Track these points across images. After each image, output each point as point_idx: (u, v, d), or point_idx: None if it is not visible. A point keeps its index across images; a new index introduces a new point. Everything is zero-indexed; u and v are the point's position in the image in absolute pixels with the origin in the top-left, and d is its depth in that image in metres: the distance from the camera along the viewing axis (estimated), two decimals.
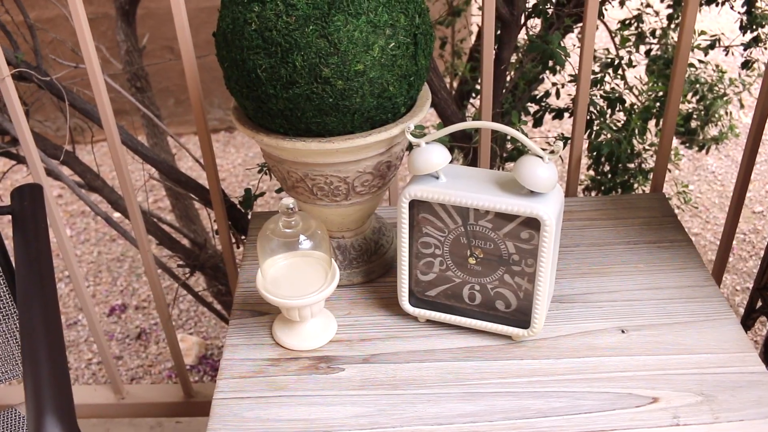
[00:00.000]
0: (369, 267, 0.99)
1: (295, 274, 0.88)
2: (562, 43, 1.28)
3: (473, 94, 1.81)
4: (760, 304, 1.16)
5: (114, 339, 2.24)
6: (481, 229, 0.85)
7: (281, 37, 0.76)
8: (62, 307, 2.37)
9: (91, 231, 2.79)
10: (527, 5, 1.33)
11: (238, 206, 1.26)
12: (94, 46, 1.05)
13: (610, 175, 1.68)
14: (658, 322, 0.92)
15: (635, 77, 1.89)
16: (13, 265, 0.99)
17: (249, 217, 1.26)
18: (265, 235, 0.85)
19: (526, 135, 0.90)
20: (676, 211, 2.51)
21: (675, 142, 2.63)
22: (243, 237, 1.27)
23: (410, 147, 0.85)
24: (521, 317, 0.88)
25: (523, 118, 1.51)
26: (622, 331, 0.91)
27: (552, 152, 0.80)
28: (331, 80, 0.77)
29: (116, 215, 2.50)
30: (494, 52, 1.14)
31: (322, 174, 0.87)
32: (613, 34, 1.78)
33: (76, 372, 2.12)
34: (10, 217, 0.96)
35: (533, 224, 0.81)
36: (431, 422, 0.80)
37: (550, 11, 1.32)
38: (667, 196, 1.16)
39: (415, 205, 0.86)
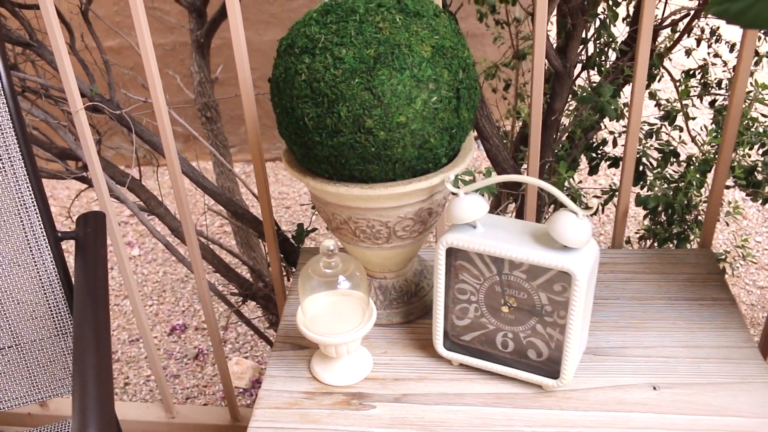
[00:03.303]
0: (408, 308, 1.02)
1: (334, 312, 0.92)
2: (621, 94, 1.28)
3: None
4: None
5: (173, 358, 2.32)
6: (516, 279, 0.87)
7: (328, 88, 0.80)
8: (126, 323, 2.47)
9: (158, 251, 2.89)
10: (581, 57, 1.35)
11: (291, 240, 1.31)
12: (161, 85, 1.12)
13: (666, 226, 1.67)
14: (691, 381, 0.92)
15: (701, 128, 1.88)
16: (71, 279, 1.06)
17: (299, 246, 1.31)
18: (307, 273, 0.89)
19: (570, 186, 0.92)
20: (740, 264, 2.47)
21: (739, 195, 2.58)
22: (293, 269, 1.31)
23: (451, 197, 0.88)
24: (552, 367, 0.89)
25: (580, 165, 1.52)
26: (654, 388, 0.91)
27: (587, 208, 0.82)
28: (374, 131, 0.81)
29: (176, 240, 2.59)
30: (545, 102, 1.16)
31: (365, 218, 0.90)
32: (678, 84, 1.77)
33: (134, 387, 2.19)
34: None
35: (565, 278, 0.83)
36: None
37: (605, 63, 1.34)
38: (723, 251, 1.16)
39: (452, 253, 0.88)
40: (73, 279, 1.01)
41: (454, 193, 0.87)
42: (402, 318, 1.02)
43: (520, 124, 2.01)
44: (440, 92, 0.83)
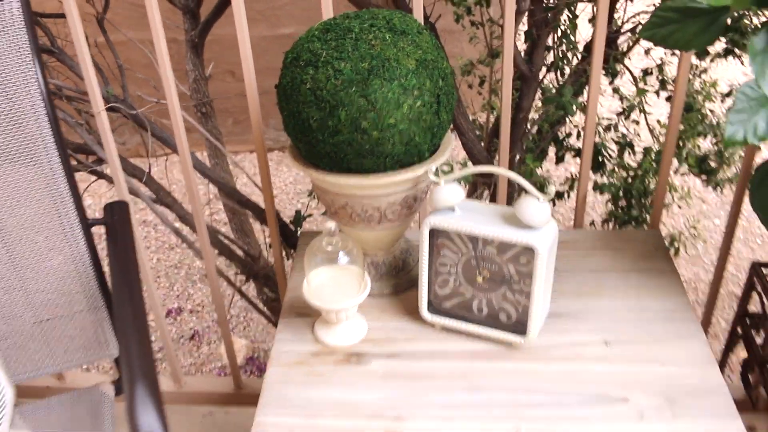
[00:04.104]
0: (396, 281, 1.19)
1: (334, 284, 1.08)
2: (583, 92, 1.45)
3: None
4: (740, 331, 1.32)
5: (170, 338, 2.47)
6: (488, 254, 1.03)
7: (330, 95, 0.96)
8: None
9: (152, 239, 3.04)
10: (545, 61, 1.52)
11: (289, 225, 1.46)
12: (175, 89, 1.27)
13: (626, 210, 1.84)
14: (637, 338, 1.09)
15: (657, 121, 2.06)
16: (103, 266, 1.21)
17: (298, 234, 1.46)
18: (311, 251, 1.05)
19: (536, 175, 1.09)
20: (700, 244, 2.65)
21: (696, 181, 2.77)
22: (292, 251, 1.47)
23: (432, 186, 1.04)
24: (520, 327, 1.06)
25: (549, 155, 1.69)
26: (606, 344, 1.08)
27: (545, 194, 0.98)
28: (368, 131, 0.97)
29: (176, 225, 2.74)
30: (514, 101, 1.32)
31: (360, 203, 1.06)
32: (636, 81, 1.95)
33: None
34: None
35: (529, 252, 1.00)
36: (440, 408, 0.99)
37: (568, 66, 1.51)
38: (678, 232, 1.33)
39: (435, 233, 1.05)
40: (101, 261, 1.16)
41: (435, 182, 1.03)
42: (391, 290, 1.18)
43: (494, 117, 2.18)
44: (423, 98, 0.98)
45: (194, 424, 1.81)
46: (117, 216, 1.19)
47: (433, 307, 1.11)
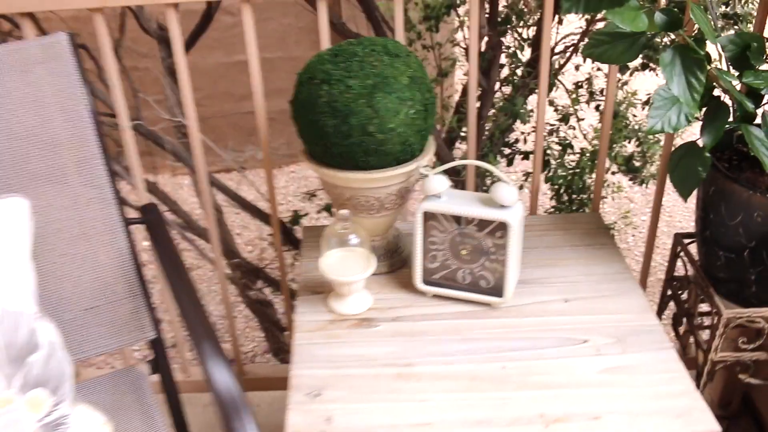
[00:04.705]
0: (391, 261, 1.43)
1: (344, 264, 1.31)
2: (526, 104, 1.73)
3: (459, 140, 2.27)
4: (669, 292, 1.60)
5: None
6: (470, 231, 1.28)
7: (342, 106, 1.20)
8: None
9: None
10: (499, 77, 1.79)
11: (287, 224, 1.69)
12: (195, 113, 1.49)
13: (568, 204, 2.13)
14: (590, 295, 1.35)
15: (590, 126, 2.36)
16: (137, 256, 1.41)
17: (294, 231, 1.69)
18: (327, 234, 1.29)
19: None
20: (631, 238, 2.97)
21: (623, 178, 3.10)
22: (290, 247, 1.70)
23: (422, 177, 1.29)
24: (497, 291, 1.31)
25: (498, 159, 1.96)
26: (566, 301, 1.34)
27: (514, 182, 1.24)
28: (374, 134, 1.21)
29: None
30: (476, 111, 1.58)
31: (363, 195, 1.30)
32: (570, 94, 2.25)
33: None
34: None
35: (503, 227, 1.25)
36: (440, 356, 1.23)
37: (515, 80, 1.78)
38: (611, 222, 1.61)
39: (426, 216, 1.29)
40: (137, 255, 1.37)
41: (425, 174, 1.28)
42: (387, 269, 1.42)
43: (445, 128, 2.45)
44: (416, 107, 1.24)
45: (196, 414, 2.01)
46: (153, 216, 1.40)
47: (425, 279, 1.35)
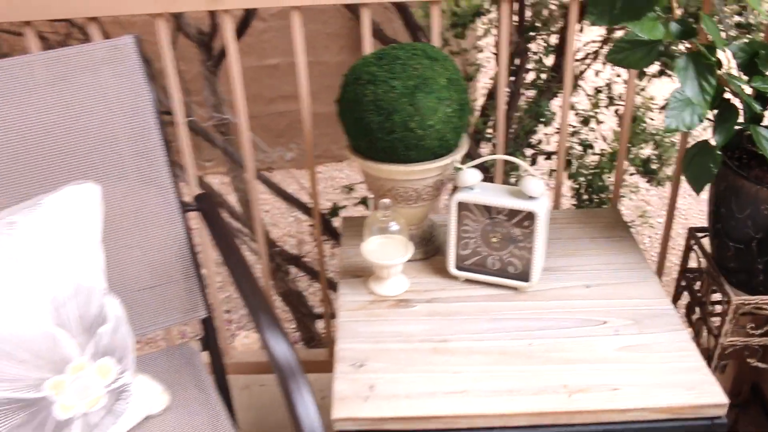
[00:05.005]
0: (426, 249, 1.55)
1: (385, 248, 1.43)
2: (549, 106, 1.85)
3: (483, 141, 2.39)
4: (684, 283, 1.71)
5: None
6: (499, 220, 1.40)
7: (387, 104, 1.32)
8: None
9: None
10: (525, 80, 1.91)
11: (326, 216, 1.82)
12: (246, 112, 1.62)
13: (588, 202, 2.25)
14: (608, 282, 1.47)
15: (609, 129, 2.48)
16: (192, 241, 1.54)
17: (333, 222, 1.82)
18: (369, 222, 1.41)
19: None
20: (647, 240, 3.08)
21: (640, 180, 3.21)
22: (331, 239, 1.82)
23: (456, 170, 1.41)
24: (524, 276, 1.43)
25: (523, 159, 2.08)
26: (586, 287, 1.46)
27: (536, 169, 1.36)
28: (415, 130, 1.33)
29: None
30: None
31: (403, 186, 1.43)
32: (590, 98, 2.36)
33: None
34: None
35: (531, 216, 1.37)
36: (472, 333, 1.35)
37: (540, 84, 1.90)
38: (631, 219, 1.72)
39: (460, 206, 1.41)
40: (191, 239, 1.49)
41: (459, 168, 1.40)
42: (422, 256, 1.54)
43: (472, 130, 2.57)
44: (453, 106, 1.36)
45: (235, 396, 2.14)
46: (207, 204, 1.53)
47: (457, 264, 1.47)
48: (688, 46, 1.24)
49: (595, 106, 2.13)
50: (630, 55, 1.20)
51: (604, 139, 2.26)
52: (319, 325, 2.51)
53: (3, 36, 2.04)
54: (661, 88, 2.71)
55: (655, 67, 2.41)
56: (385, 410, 1.20)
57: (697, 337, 1.66)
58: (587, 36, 2.38)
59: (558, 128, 2.08)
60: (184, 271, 1.54)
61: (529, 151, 2.16)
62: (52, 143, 1.42)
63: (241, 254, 1.39)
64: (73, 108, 1.42)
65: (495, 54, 2.13)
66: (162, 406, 1.42)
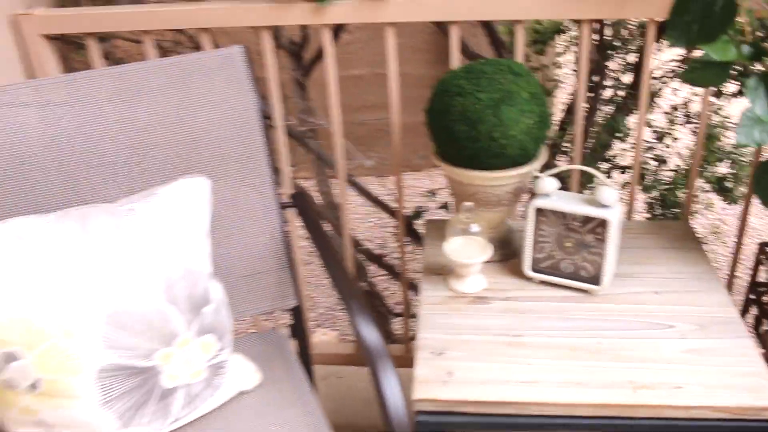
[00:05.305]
0: (503, 252, 1.65)
1: (466, 248, 1.54)
2: (626, 122, 1.93)
3: (559, 154, 2.48)
4: (752, 296, 1.77)
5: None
6: (574, 226, 1.50)
7: (473, 115, 1.44)
8: None
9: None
10: (602, 97, 2.00)
11: (409, 218, 1.94)
12: (341, 117, 1.75)
13: (662, 217, 2.31)
14: (677, 290, 1.55)
15: (685, 147, 2.54)
16: (287, 235, 1.68)
17: (413, 224, 1.94)
18: (452, 223, 1.52)
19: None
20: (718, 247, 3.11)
21: (716, 198, 3.23)
22: (413, 241, 1.94)
23: (534, 179, 1.52)
24: (595, 280, 1.52)
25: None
26: (655, 293, 1.54)
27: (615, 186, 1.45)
28: (498, 140, 1.44)
29: None
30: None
31: (484, 191, 1.54)
32: (667, 115, 2.43)
33: None
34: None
35: (604, 224, 1.46)
36: (544, 330, 1.45)
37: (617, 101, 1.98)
38: (704, 234, 1.79)
39: (537, 212, 1.51)
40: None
41: (538, 176, 1.51)
42: (500, 258, 1.65)
43: (549, 143, 2.66)
44: (534, 118, 1.46)
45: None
46: (302, 202, 1.67)
47: (533, 267, 1.57)
48: (761, 68, 1.32)
49: (672, 123, 2.19)
50: (702, 75, 1.28)
51: (680, 156, 2.33)
52: (395, 326, 2.63)
53: (118, 42, 2.23)
54: (740, 107, 2.76)
55: (733, 87, 2.46)
56: (462, 394, 1.31)
57: (764, 349, 1.72)
58: (666, 55, 2.45)
59: (634, 143, 2.16)
60: (278, 262, 1.68)
61: (604, 165, 2.24)
62: (167, 140, 1.58)
63: (334, 247, 1.52)
64: (186, 109, 1.58)
65: (574, 70, 2.22)
66: (254, 383, 1.56)
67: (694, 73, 1.28)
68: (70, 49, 2.20)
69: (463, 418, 1.33)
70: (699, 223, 3.06)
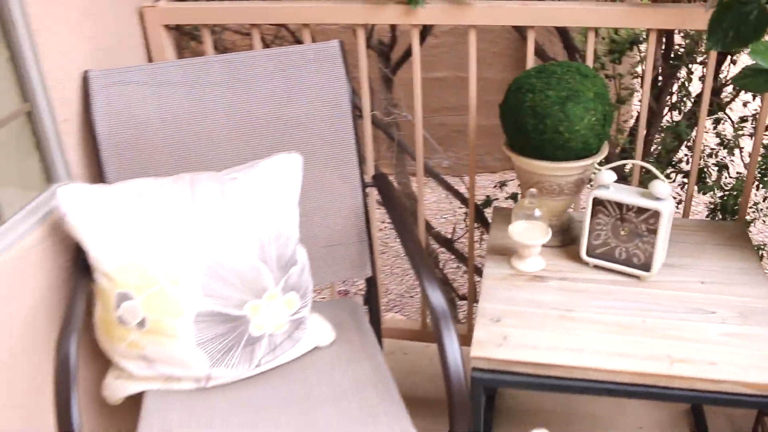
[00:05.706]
0: (563, 237, 1.81)
1: (528, 231, 1.70)
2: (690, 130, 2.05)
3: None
4: None
5: None
6: (629, 216, 1.64)
7: (542, 110, 1.60)
8: None
9: None
10: (669, 102, 2.12)
11: (479, 206, 2.11)
12: (422, 111, 1.94)
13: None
14: (723, 281, 1.67)
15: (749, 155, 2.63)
16: (368, 211, 1.86)
17: (483, 213, 2.10)
18: (517, 207, 1.69)
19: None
20: None
21: None
22: (482, 227, 2.11)
23: (595, 171, 1.67)
24: (646, 267, 1.66)
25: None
26: (702, 283, 1.67)
27: (670, 182, 1.59)
28: (564, 133, 1.60)
29: None
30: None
31: (548, 180, 1.69)
32: (735, 126, 2.53)
33: None
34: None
35: (656, 215, 1.60)
36: (595, 308, 1.59)
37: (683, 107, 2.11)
38: (762, 243, 1.90)
39: (595, 202, 1.66)
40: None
41: (598, 169, 1.66)
42: (559, 243, 1.81)
43: (619, 149, 2.78)
44: (597, 116, 1.62)
45: None
46: (382, 181, 1.86)
47: (589, 252, 1.72)
48: None
49: (737, 131, 2.30)
50: (753, 81, 1.42)
51: (744, 164, 2.43)
52: (460, 312, 2.79)
53: (227, 34, 2.47)
54: None
55: None
56: (514, 355, 1.48)
57: None
58: (737, 69, 2.55)
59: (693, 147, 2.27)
60: (359, 235, 1.87)
61: (668, 170, 2.36)
62: (268, 121, 1.79)
63: (409, 222, 1.71)
64: (286, 95, 1.79)
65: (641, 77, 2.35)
66: (329, 340, 1.75)
67: (744, 79, 1.41)
68: (183, 39, 2.45)
69: (514, 377, 1.49)
70: (759, 229, 3.13)
